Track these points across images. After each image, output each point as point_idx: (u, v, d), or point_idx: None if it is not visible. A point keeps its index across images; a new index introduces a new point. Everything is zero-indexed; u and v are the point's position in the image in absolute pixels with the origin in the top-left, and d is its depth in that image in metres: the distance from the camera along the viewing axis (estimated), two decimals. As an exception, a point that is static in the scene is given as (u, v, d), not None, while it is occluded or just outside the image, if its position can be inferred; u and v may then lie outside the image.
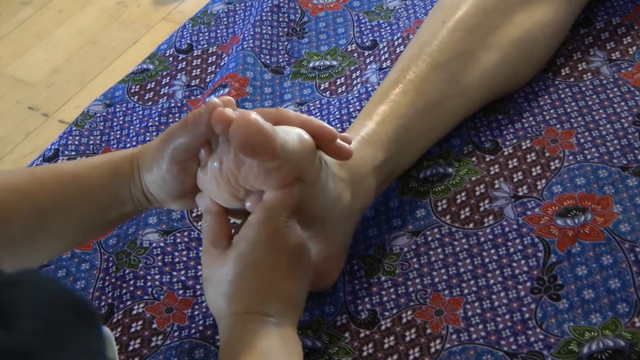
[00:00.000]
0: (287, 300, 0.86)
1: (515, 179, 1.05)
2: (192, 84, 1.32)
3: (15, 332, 0.45)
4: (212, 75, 1.33)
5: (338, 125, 1.16)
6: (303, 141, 0.87)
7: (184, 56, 1.37)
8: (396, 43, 1.27)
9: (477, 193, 1.05)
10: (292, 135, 0.86)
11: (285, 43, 1.35)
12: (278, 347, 0.83)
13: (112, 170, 0.91)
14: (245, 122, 0.81)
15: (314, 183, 0.89)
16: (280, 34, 1.37)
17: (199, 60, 1.36)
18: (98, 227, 0.97)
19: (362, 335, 0.95)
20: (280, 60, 1.33)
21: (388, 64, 1.24)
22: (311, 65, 1.31)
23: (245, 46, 1.32)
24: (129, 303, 1.02)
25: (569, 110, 1.12)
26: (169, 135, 0.88)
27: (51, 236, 0.90)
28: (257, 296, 0.85)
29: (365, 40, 1.33)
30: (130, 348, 0.98)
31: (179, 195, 0.91)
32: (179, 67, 1.35)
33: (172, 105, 1.28)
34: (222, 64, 1.34)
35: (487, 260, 0.98)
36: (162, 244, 1.08)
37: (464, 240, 1.01)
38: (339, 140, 0.90)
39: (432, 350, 0.92)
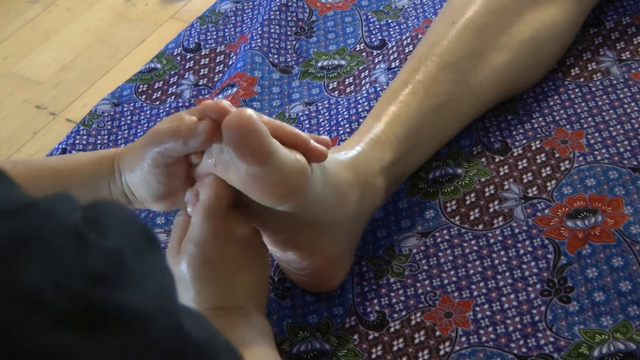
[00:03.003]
0: (249, 288, 0.87)
1: (525, 180, 1.05)
2: (200, 83, 1.32)
3: (109, 239, 0.48)
4: (220, 75, 1.33)
5: (347, 125, 1.16)
6: (297, 161, 0.85)
7: (191, 55, 1.37)
8: (405, 42, 1.27)
9: (487, 194, 1.04)
10: (287, 150, 0.85)
11: (294, 42, 1.35)
12: (247, 334, 0.83)
13: (93, 169, 0.92)
14: (240, 116, 0.81)
15: (305, 200, 0.88)
16: (289, 33, 1.36)
17: (207, 59, 1.36)
18: None
19: (370, 337, 0.95)
20: (289, 59, 1.32)
21: (397, 64, 1.23)
22: (319, 64, 1.30)
23: (254, 45, 1.32)
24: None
25: (578, 110, 1.12)
26: (155, 137, 0.87)
27: None
28: (220, 290, 0.86)
29: (373, 39, 1.32)
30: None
31: (160, 196, 0.91)
32: (187, 66, 1.35)
33: (180, 104, 1.28)
34: (230, 63, 1.34)
35: (496, 261, 0.98)
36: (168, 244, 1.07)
37: (473, 242, 1.00)
38: (312, 142, 0.88)
39: (442, 352, 0.91)
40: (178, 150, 0.86)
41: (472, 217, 1.03)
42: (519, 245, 0.99)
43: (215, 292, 0.86)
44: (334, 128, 1.17)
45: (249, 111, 0.81)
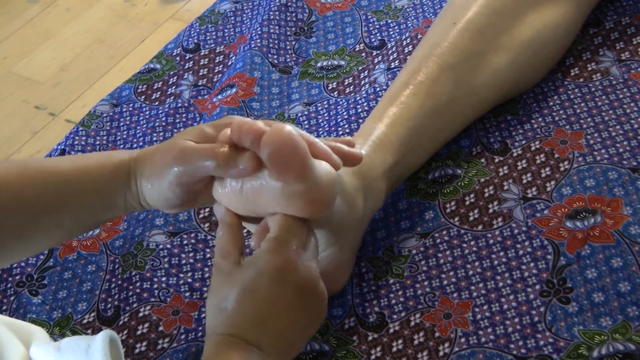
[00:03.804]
0: (281, 336, 0.82)
1: (525, 181, 1.05)
2: (200, 83, 1.32)
3: None
4: (220, 75, 1.32)
5: (346, 126, 1.16)
6: (330, 173, 0.84)
7: (191, 55, 1.37)
8: (404, 43, 1.26)
9: (486, 194, 1.04)
10: (321, 163, 0.83)
11: (293, 42, 1.35)
12: None
13: (109, 176, 0.89)
14: (279, 133, 0.79)
15: (330, 213, 0.87)
16: (288, 33, 1.36)
17: (207, 59, 1.36)
18: (87, 227, 0.96)
19: (370, 338, 0.94)
20: (288, 59, 1.32)
21: (396, 64, 1.23)
22: (319, 65, 1.30)
23: (253, 46, 1.31)
24: (135, 305, 1.02)
25: (578, 111, 1.11)
26: (185, 157, 0.84)
27: (39, 234, 0.89)
28: (251, 324, 0.81)
29: (373, 39, 1.32)
30: (137, 351, 0.98)
31: (176, 207, 0.89)
32: (186, 67, 1.35)
33: (179, 105, 1.28)
34: (229, 63, 1.34)
35: (496, 262, 0.98)
36: (168, 246, 1.07)
37: (472, 243, 1.00)
38: (347, 148, 0.88)
39: (441, 353, 0.91)
40: (209, 173, 0.84)
41: (471, 218, 1.03)
42: (519, 246, 0.98)
43: (247, 323, 0.81)
44: (333, 129, 1.17)
45: (288, 127, 0.79)
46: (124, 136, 1.25)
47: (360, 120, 1.15)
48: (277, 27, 1.36)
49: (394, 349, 0.93)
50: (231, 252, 0.84)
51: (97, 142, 1.24)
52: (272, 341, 0.81)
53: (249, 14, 1.43)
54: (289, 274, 0.82)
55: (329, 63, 1.30)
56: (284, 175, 0.80)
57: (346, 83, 1.26)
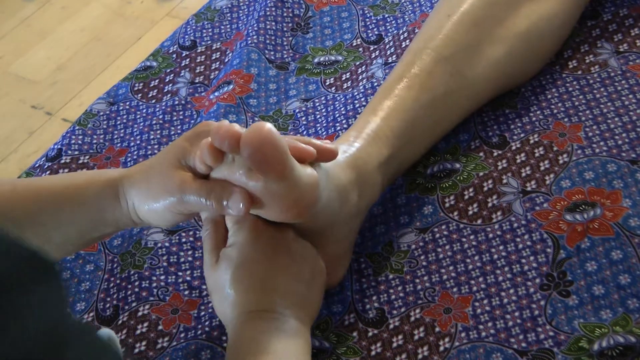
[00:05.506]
0: (290, 294, 0.86)
1: (524, 174, 1.04)
2: (196, 81, 1.31)
3: None
4: (217, 72, 1.32)
5: (344, 122, 1.16)
6: (311, 176, 0.85)
7: (187, 53, 1.36)
8: (402, 37, 1.26)
9: (485, 188, 1.04)
10: (304, 167, 0.85)
11: (290, 38, 1.34)
12: (278, 342, 0.82)
13: (96, 193, 0.89)
14: (259, 131, 0.79)
15: (313, 212, 0.87)
16: (285, 29, 1.36)
17: (203, 56, 1.35)
18: (78, 245, 0.96)
19: (370, 334, 0.94)
20: (285, 56, 1.32)
21: (394, 59, 1.23)
22: (316, 60, 1.30)
23: (250, 42, 1.31)
24: (134, 304, 1.02)
25: (576, 103, 1.11)
26: (180, 192, 0.85)
27: None
28: (255, 293, 0.85)
29: (370, 34, 1.32)
30: (136, 350, 0.97)
31: (175, 223, 0.91)
32: (183, 64, 1.34)
33: (176, 102, 1.27)
34: (226, 60, 1.34)
35: (495, 256, 0.98)
36: (167, 244, 1.07)
37: (472, 237, 1.00)
38: (322, 144, 0.88)
39: (441, 348, 0.91)
40: (204, 211, 0.87)
41: (470, 212, 1.02)
42: (518, 239, 0.98)
43: (251, 295, 0.85)
44: (331, 124, 1.17)
45: (268, 125, 0.80)
46: (121, 134, 1.25)
47: (358, 116, 1.15)
48: (273, 23, 1.35)
49: (394, 345, 0.93)
50: (219, 247, 0.89)
51: (94, 141, 1.24)
52: (283, 301, 0.85)
53: (245, 10, 1.43)
54: (264, 236, 0.86)
55: (326, 58, 1.30)
56: (264, 172, 0.81)
57: (344, 78, 1.26)
